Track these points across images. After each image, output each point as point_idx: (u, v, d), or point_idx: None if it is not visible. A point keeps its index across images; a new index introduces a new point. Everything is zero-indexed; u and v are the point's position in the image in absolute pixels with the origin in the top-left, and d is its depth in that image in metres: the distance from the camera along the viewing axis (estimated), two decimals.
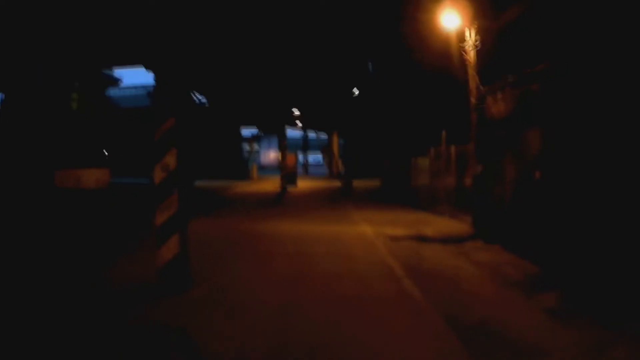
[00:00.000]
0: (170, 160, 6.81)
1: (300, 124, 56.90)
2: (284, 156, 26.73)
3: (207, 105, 41.89)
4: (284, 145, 27.58)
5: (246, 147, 51.31)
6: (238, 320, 5.57)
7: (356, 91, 35.81)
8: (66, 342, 4.91)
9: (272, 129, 66.06)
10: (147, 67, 30.18)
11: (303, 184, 31.84)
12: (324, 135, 75.09)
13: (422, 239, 11.33)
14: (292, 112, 45.34)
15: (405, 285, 7.14)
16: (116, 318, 5.62)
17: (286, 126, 60.67)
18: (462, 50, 12.94)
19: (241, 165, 41.82)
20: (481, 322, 5.46)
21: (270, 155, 74.43)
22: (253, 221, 14.01)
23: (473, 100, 12.75)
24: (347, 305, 6.17)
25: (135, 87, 64.09)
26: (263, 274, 7.86)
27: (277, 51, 30.22)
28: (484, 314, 5.77)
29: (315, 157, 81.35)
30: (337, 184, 33.72)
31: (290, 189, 26.44)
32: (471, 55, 12.87)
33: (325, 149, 60.00)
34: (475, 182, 12.54)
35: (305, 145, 63.00)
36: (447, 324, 5.41)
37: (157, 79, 29.46)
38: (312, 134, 71.71)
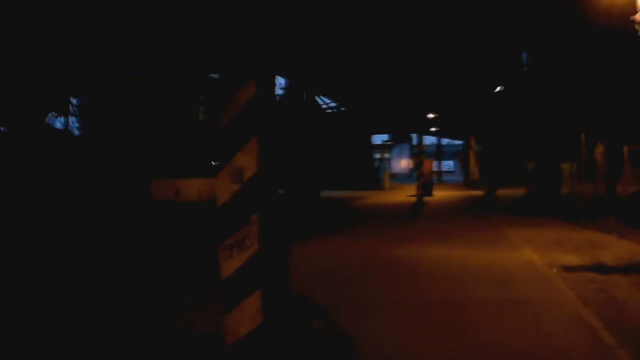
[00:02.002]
0: (247, 160, 4.00)
1: (433, 129, 53.96)
2: (420, 163, 24.07)
3: (336, 109, 39.97)
4: (421, 151, 24.86)
5: (377, 154, 49.15)
6: None
7: (500, 88, 32.31)
8: None
9: (404, 136, 63.79)
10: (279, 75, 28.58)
11: (439, 194, 29.02)
12: (456, 141, 71.89)
13: (602, 269, 8.83)
14: (427, 117, 42.44)
15: None
16: None
17: (419, 132, 58.27)
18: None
19: (372, 174, 39.47)
20: None
21: (402, 162, 72.02)
22: (388, 243, 11.52)
23: None
24: None
25: None
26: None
27: (413, 50, 27.62)
28: None
29: (447, 163, 78.47)
30: (475, 193, 30.71)
31: (427, 199, 23.81)
32: None
33: (461, 155, 56.87)
34: None
35: (438, 151, 60.05)
36: None
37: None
38: (444, 140, 68.81)
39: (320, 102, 38.23)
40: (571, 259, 9.52)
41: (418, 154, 24.54)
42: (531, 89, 30.48)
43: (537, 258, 9.62)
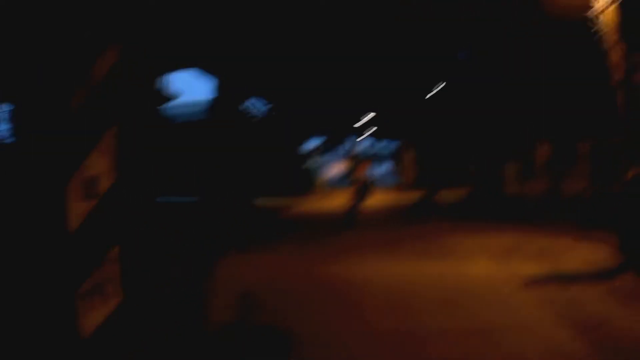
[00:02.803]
0: (103, 164, 2.76)
1: (368, 132, 52.91)
2: (354, 167, 22.61)
3: (267, 112, 38.25)
4: (355, 154, 23.42)
5: (311, 158, 47.63)
6: None
7: (437, 88, 31.17)
8: None
9: (338, 139, 62.59)
10: (204, 70, 26.72)
11: (377, 197, 27.71)
12: (390, 142, 71.18)
13: (568, 278, 7.79)
14: (361, 119, 41.12)
15: None
16: None
17: (353, 134, 57.16)
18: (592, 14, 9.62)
19: (306, 179, 37.87)
20: None
21: (336, 166, 70.88)
22: (322, 258, 9.84)
23: (618, 76, 9.26)
24: None
25: (194, 104, 62.40)
26: None
27: (346, 48, 26.21)
28: None
29: (382, 166, 77.80)
30: (414, 195, 29.60)
31: (364, 204, 22.41)
32: (609, 15, 9.07)
33: (396, 156, 55.96)
34: (628, 190, 8.84)
35: (374, 154, 59.13)
36: None
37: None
38: (378, 142, 68.06)
39: (252, 104, 36.59)
40: (532, 269, 8.31)
41: (352, 157, 23.10)
42: (470, 85, 29.63)
43: (495, 270, 8.31)
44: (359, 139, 57.99)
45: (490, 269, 8.38)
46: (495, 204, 20.00)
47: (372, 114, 40.94)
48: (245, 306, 6.81)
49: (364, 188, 22.19)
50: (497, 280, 7.64)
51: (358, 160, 24.13)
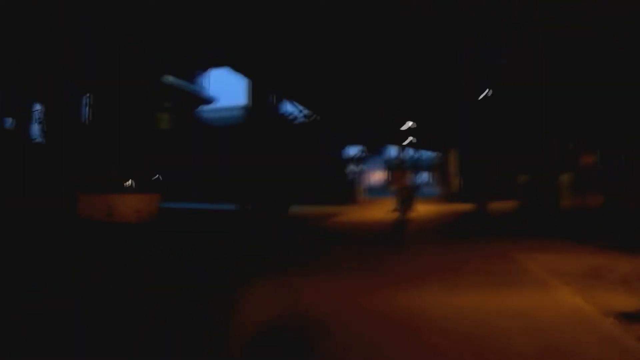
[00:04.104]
0: None
1: (409, 140, 51.44)
2: (399, 175, 21.26)
3: (308, 117, 37.13)
4: (401, 162, 21.97)
5: (350, 166, 46.42)
6: None
7: (486, 92, 29.61)
8: None
9: (378, 147, 61.27)
10: (236, 69, 25.63)
11: (420, 209, 26.31)
12: (430, 152, 69.68)
13: None
14: (404, 126, 39.66)
15: None
16: None
17: (394, 143, 55.77)
18: None
19: (345, 187, 36.57)
20: None
21: (376, 175, 69.64)
22: (371, 284, 8.08)
23: None
24: None
25: (231, 109, 61.71)
26: None
27: (387, 54, 24.95)
28: None
29: (421, 176, 76.36)
30: (458, 207, 28.17)
31: (409, 215, 21.02)
32: None
33: (438, 166, 54.42)
34: None
35: (414, 164, 57.55)
36: None
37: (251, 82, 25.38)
38: (418, 152, 66.61)
39: (291, 108, 35.58)
40: (626, 301, 6.89)
41: (398, 165, 21.71)
42: (512, 91, 28.16)
43: (581, 301, 6.91)
44: (398, 148, 56.56)
45: (575, 300, 6.98)
46: (550, 219, 18.54)
47: (412, 123, 39.53)
48: (282, 344, 5.56)
49: (407, 199, 20.84)
50: (588, 315, 6.27)
51: (399, 170, 22.88)
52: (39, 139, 21.68)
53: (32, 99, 23.27)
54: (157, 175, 24.89)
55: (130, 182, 19.31)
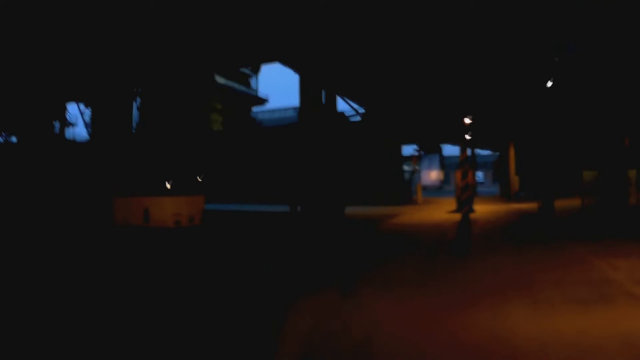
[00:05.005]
0: None
1: (466, 139, 50.07)
2: (465, 173, 20.28)
3: (361, 115, 36.37)
4: (465, 159, 20.97)
5: (408, 165, 45.50)
6: None
7: (548, 83, 28.00)
8: None
9: (434, 146, 60.08)
10: (286, 64, 25.01)
11: (480, 209, 25.26)
12: (484, 151, 67.91)
13: None
14: (463, 123, 38.33)
15: None
16: None
17: (450, 142, 54.54)
18: None
19: (403, 187, 35.67)
20: None
21: (432, 174, 68.36)
22: (443, 302, 6.87)
23: None
24: None
25: (285, 109, 61.59)
26: None
27: (447, 51, 23.95)
28: None
29: (480, 174, 74.85)
30: (520, 206, 26.97)
31: (471, 216, 20.08)
32: None
33: (496, 165, 52.96)
34: None
35: (472, 162, 56.29)
36: None
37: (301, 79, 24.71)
38: (476, 150, 65.16)
39: (346, 107, 34.98)
40: None
41: (462, 163, 20.66)
42: (578, 81, 26.77)
43: None
44: (459, 147, 55.31)
45: None
46: (621, 218, 17.35)
47: (470, 120, 38.29)
48: None
49: (468, 199, 19.91)
50: None
51: (461, 169, 21.93)
52: (83, 142, 21.69)
53: (80, 102, 23.29)
54: (202, 177, 24.52)
55: (169, 184, 18.79)
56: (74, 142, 35.28)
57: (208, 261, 11.26)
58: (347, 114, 36.27)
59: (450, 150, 73.32)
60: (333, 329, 5.85)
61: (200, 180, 23.93)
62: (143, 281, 8.98)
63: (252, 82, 57.38)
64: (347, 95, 33.28)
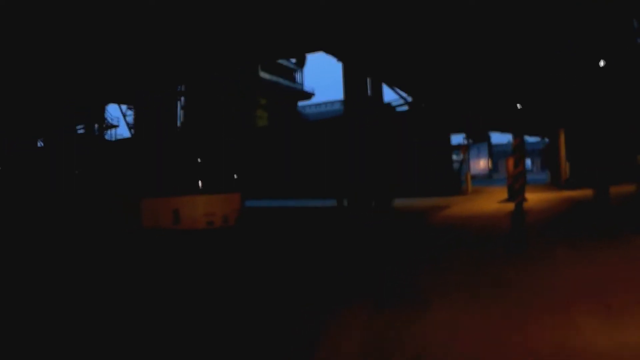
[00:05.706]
0: None
1: (514, 126, 49.13)
2: (512, 163, 19.70)
3: (409, 104, 35.88)
4: (518, 146, 20.25)
5: (456, 155, 44.84)
6: None
7: (601, 63, 26.79)
8: None
9: (483, 134, 59.10)
10: (330, 53, 24.58)
11: (531, 197, 24.56)
12: (531, 139, 66.53)
13: None
14: (515, 109, 37.37)
15: None
16: None
17: (499, 130, 53.50)
18: None
19: (452, 177, 35.07)
20: None
21: (481, 163, 67.29)
22: (507, 313, 5.75)
23: None
24: None
25: (331, 103, 61.43)
26: None
27: (496, 36, 23.29)
28: None
29: (528, 162, 73.44)
30: (572, 194, 26.16)
31: (524, 205, 19.50)
32: None
33: (545, 151, 51.76)
34: None
35: (522, 150, 55.20)
36: None
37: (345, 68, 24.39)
38: (525, 137, 63.84)
39: (392, 95, 34.54)
40: None
41: (516, 150, 19.97)
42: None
43: None
44: (503, 135, 54.23)
45: None
46: None
47: (519, 106, 37.40)
48: None
49: (521, 188, 19.32)
50: None
51: (512, 157, 21.36)
52: (121, 142, 21.86)
53: (122, 103, 23.51)
54: (241, 174, 24.28)
55: (200, 182, 18.11)
56: (112, 143, 35.39)
57: (232, 268, 10.08)
58: (393, 103, 35.80)
59: (497, 138, 72.03)
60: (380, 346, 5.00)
61: (236, 178, 23.58)
62: (148, 288, 8.62)
63: (297, 76, 57.43)
64: (393, 84, 32.79)
